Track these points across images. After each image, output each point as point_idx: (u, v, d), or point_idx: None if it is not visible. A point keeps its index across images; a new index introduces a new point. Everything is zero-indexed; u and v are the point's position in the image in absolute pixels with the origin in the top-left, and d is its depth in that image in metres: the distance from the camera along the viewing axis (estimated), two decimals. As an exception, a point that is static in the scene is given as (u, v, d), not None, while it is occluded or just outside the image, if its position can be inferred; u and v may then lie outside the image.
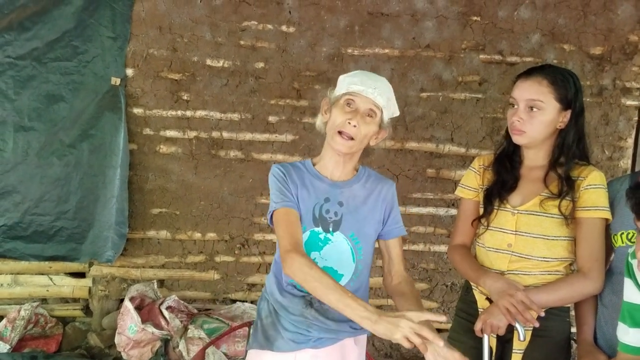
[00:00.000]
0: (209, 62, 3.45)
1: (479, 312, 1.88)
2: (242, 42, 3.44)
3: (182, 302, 3.49)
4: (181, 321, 3.30)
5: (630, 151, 3.57)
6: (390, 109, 1.77)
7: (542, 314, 1.67)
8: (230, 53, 3.45)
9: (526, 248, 1.82)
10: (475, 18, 3.44)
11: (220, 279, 3.64)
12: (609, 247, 1.82)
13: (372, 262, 1.84)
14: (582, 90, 1.86)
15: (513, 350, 1.80)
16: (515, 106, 1.83)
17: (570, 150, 1.83)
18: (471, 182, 2.02)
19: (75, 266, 3.60)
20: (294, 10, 3.43)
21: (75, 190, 3.39)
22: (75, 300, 3.69)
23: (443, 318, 1.37)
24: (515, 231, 1.83)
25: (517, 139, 1.85)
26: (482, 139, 3.54)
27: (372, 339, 3.67)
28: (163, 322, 3.27)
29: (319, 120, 1.81)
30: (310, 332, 1.70)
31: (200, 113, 3.48)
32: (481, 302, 1.91)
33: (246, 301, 3.65)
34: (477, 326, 1.76)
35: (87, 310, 3.69)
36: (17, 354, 3.17)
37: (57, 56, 3.32)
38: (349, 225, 1.74)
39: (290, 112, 3.51)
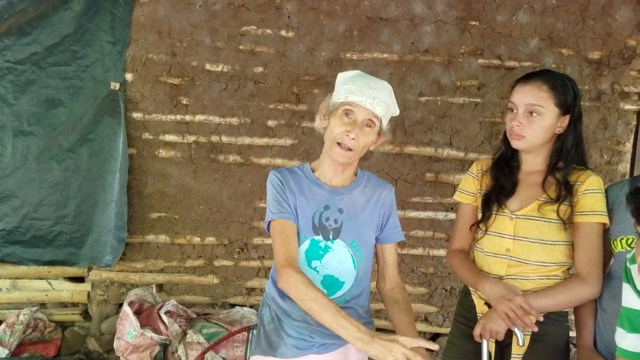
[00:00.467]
0: (208, 66, 3.46)
1: (478, 317, 1.88)
2: (241, 47, 3.45)
3: (181, 306, 3.48)
4: (180, 326, 3.30)
5: (628, 155, 3.57)
6: (390, 114, 1.76)
7: (541, 319, 1.68)
8: (230, 58, 3.46)
9: (524, 253, 1.82)
10: (473, 23, 3.45)
11: (219, 284, 3.64)
12: (608, 252, 1.82)
13: (372, 267, 1.84)
14: (580, 95, 1.86)
15: (512, 355, 1.80)
16: (515, 111, 1.83)
17: (568, 155, 1.83)
18: (469, 187, 2.02)
19: (74, 271, 3.60)
20: (293, 15, 3.44)
21: (74, 194, 3.40)
22: (74, 304, 3.69)
23: (436, 347, 1.38)
24: (514, 236, 1.83)
25: (516, 144, 1.85)
26: (481, 143, 3.55)
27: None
28: (162, 327, 3.26)
29: (317, 122, 1.80)
30: (313, 337, 1.69)
31: (199, 117, 3.49)
32: (480, 307, 1.91)
33: (245, 305, 3.64)
34: (476, 331, 1.76)
35: (86, 315, 3.69)
36: (16, 359, 3.16)
37: (57, 61, 3.33)
38: (349, 232, 1.74)
39: (289, 117, 3.51)
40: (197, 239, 3.60)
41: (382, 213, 1.81)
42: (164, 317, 3.28)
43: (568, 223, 1.78)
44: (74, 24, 3.32)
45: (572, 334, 1.94)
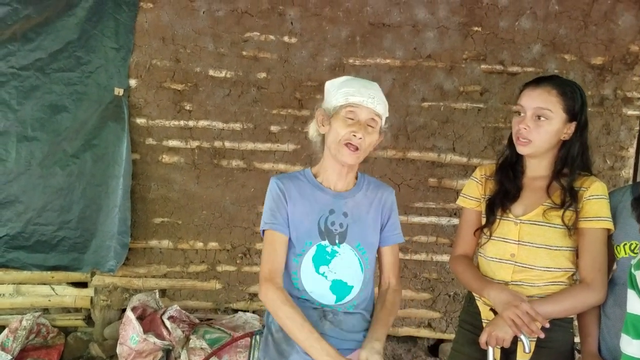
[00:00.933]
0: (211, 72, 3.47)
1: (483, 324, 1.88)
2: (244, 53, 3.46)
3: (184, 312, 3.48)
4: (183, 331, 3.29)
5: (631, 161, 3.57)
6: (386, 114, 1.80)
7: (547, 325, 1.67)
8: (233, 63, 3.47)
9: (529, 258, 1.81)
10: (476, 28, 3.46)
11: (222, 289, 3.64)
12: (611, 258, 1.82)
13: (375, 270, 1.85)
14: (587, 104, 1.87)
15: (517, 362, 1.79)
16: (522, 114, 1.83)
17: (574, 162, 1.83)
18: (473, 192, 2.01)
19: (77, 276, 3.59)
20: (296, 21, 3.45)
21: (77, 200, 3.40)
22: (77, 310, 3.69)
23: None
24: (518, 241, 1.83)
25: (522, 149, 1.85)
26: (484, 148, 3.55)
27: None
28: (165, 332, 3.26)
29: (312, 131, 1.82)
30: None
31: (202, 123, 3.50)
32: (485, 314, 1.90)
33: (248, 311, 3.64)
34: (482, 338, 1.75)
35: (89, 320, 3.69)
36: (18, 365, 3.17)
37: (61, 67, 3.34)
38: (355, 236, 1.75)
39: (292, 122, 3.52)
40: (200, 244, 3.60)
41: (383, 214, 1.84)
42: (167, 323, 3.28)
43: (573, 229, 1.77)
44: (78, 30, 3.33)
45: (577, 339, 1.94)
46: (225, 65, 3.47)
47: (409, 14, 3.45)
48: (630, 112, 3.51)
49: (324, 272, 1.70)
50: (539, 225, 1.81)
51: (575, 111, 1.80)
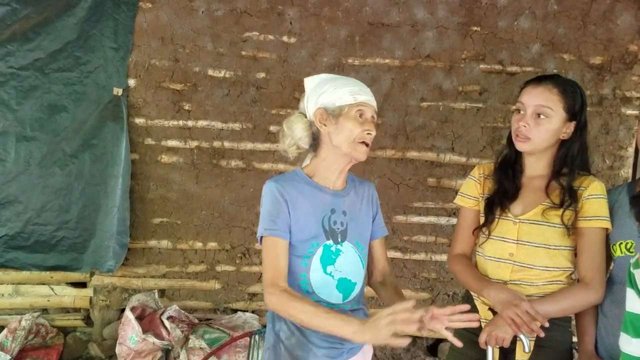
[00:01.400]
0: (210, 72, 3.47)
1: (482, 323, 1.87)
2: (243, 53, 3.46)
3: (183, 312, 3.48)
4: (182, 331, 3.29)
5: (630, 160, 3.58)
6: None
7: (547, 325, 1.66)
8: (232, 63, 3.47)
9: (528, 257, 1.81)
10: (475, 28, 3.46)
11: (221, 289, 3.64)
12: (608, 257, 1.82)
13: None
14: (587, 104, 1.87)
15: (516, 361, 1.79)
16: (522, 112, 1.83)
17: (574, 162, 1.83)
18: (471, 191, 2.01)
19: (76, 276, 3.60)
20: (295, 21, 3.45)
21: (76, 200, 3.40)
22: (76, 310, 3.69)
23: (411, 303, 1.39)
24: (517, 240, 1.83)
25: (521, 146, 1.84)
26: (483, 148, 3.55)
27: (374, 348, 3.65)
28: (164, 332, 3.26)
29: (299, 130, 1.75)
30: (342, 344, 1.69)
31: (201, 123, 3.50)
32: (483, 313, 1.89)
33: (247, 311, 3.64)
34: (482, 338, 1.74)
35: (88, 320, 3.69)
36: (17, 365, 3.17)
37: (60, 67, 3.34)
38: (354, 233, 1.75)
39: (292, 122, 3.51)
40: (199, 244, 3.60)
41: (372, 210, 1.86)
42: (166, 323, 3.28)
43: (571, 229, 1.77)
44: (77, 30, 3.34)
45: (575, 339, 1.94)
46: (224, 65, 3.47)
47: (408, 13, 3.45)
48: (629, 112, 3.52)
49: (330, 272, 1.70)
50: (537, 224, 1.81)
51: (575, 111, 1.80)
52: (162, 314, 3.35)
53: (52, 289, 3.61)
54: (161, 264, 3.62)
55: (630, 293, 1.47)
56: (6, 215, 3.36)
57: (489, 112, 3.53)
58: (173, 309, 3.42)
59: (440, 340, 3.74)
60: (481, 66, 3.49)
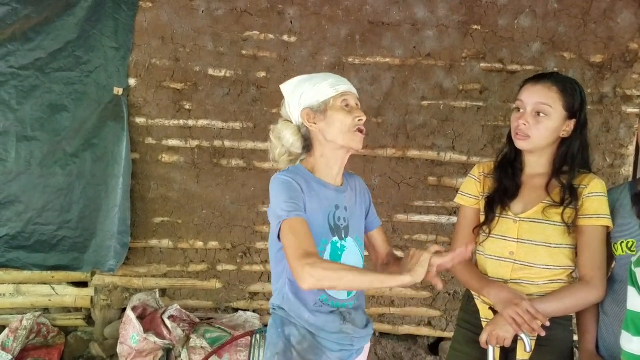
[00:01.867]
0: (211, 71, 3.47)
1: (482, 323, 1.87)
2: (244, 52, 3.46)
3: (184, 311, 3.48)
4: (183, 330, 3.30)
5: (631, 159, 3.57)
6: None
7: (548, 324, 1.66)
8: (232, 63, 3.47)
9: (529, 256, 1.81)
10: (475, 27, 3.46)
11: (222, 288, 3.64)
12: (610, 256, 1.82)
13: None
14: (587, 101, 1.87)
15: (517, 360, 1.79)
16: (522, 110, 1.83)
17: (574, 160, 1.83)
18: (471, 190, 2.01)
19: (77, 276, 3.60)
20: (295, 20, 3.45)
21: (77, 199, 3.40)
22: (77, 309, 3.69)
23: (435, 247, 1.56)
24: (518, 239, 1.83)
25: (521, 145, 1.84)
26: (484, 147, 3.55)
27: (374, 347, 3.66)
28: (165, 332, 3.26)
29: (289, 135, 1.75)
30: (353, 345, 1.71)
31: (202, 122, 3.50)
32: (484, 312, 1.90)
33: (248, 310, 3.64)
34: (483, 338, 1.74)
35: (89, 320, 3.69)
36: (19, 364, 3.17)
37: (60, 66, 3.34)
38: (354, 229, 1.76)
39: (292, 121, 3.51)
40: (200, 244, 3.60)
41: (366, 202, 1.87)
42: (167, 322, 3.28)
43: (572, 227, 1.77)
44: (77, 30, 3.33)
45: (576, 337, 1.94)
46: (224, 64, 3.47)
47: (409, 12, 3.45)
48: (629, 110, 3.51)
49: None
50: (538, 223, 1.81)
51: (575, 109, 1.80)
52: (164, 313, 3.36)
53: (54, 289, 3.61)
54: (162, 263, 3.62)
55: (631, 291, 1.47)
56: (7, 215, 3.36)
57: (490, 110, 3.53)
58: (174, 309, 3.42)
59: (441, 339, 3.75)
60: (482, 65, 3.49)
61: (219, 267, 3.63)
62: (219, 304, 3.68)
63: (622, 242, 1.77)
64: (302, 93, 1.73)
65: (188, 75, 3.47)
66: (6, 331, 3.36)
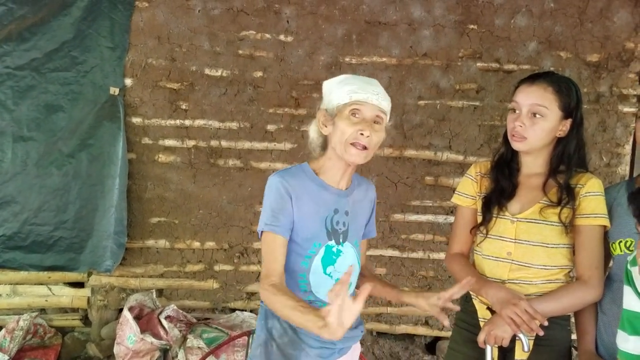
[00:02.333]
0: (207, 71, 3.46)
1: (480, 323, 1.87)
2: (240, 52, 3.46)
3: (181, 311, 3.48)
4: (180, 331, 3.29)
5: (628, 158, 3.58)
6: (389, 110, 1.73)
7: (546, 323, 1.66)
8: (229, 62, 3.46)
9: (526, 256, 1.81)
10: (472, 26, 3.46)
11: (219, 288, 3.64)
12: (607, 255, 1.82)
13: None
14: (582, 100, 1.86)
15: (515, 360, 1.79)
16: (517, 111, 1.82)
17: (571, 159, 1.82)
18: (468, 190, 2.00)
19: (74, 276, 3.59)
20: (292, 19, 3.45)
21: (74, 200, 3.39)
22: (74, 310, 3.69)
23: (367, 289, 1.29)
24: (515, 239, 1.83)
25: (517, 146, 1.84)
26: (480, 146, 3.55)
27: (372, 347, 3.66)
28: (162, 332, 3.26)
29: (312, 132, 1.75)
30: (335, 344, 1.69)
31: (198, 122, 3.49)
32: (482, 312, 1.89)
33: (245, 310, 3.64)
34: (481, 337, 1.74)
35: (86, 320, 3.69)
36: (15, 365, 3.16)
37: (56, 66, 3.33)
38: (353, 234, 1.74)
39: (289, 121, 3.52)
40: (197, 244, 3.59)
41: (371, 211, 1.86)
42: (164, 322, 3.28)
43: (569, 227, 1.77)
44: (73, 30, 3.33)
45: (574, 337, 1.94)
46: (221, 64, 3.46)
47: (405, 12, 3.45)
48: (626, 109, 3.52)
49: (330, 272, 1.68)
50: (535, 223, 1.80)
51: (571, 108, 1.80)
52: (160, 313, 3.35)
53: (50, 289, 3.61)
54: (159, 263, 3.61)
55: (627, 290, 1.48)
56: (3, 215, 3.35)
57: (486, 110, 3.53)
58: (171, 309, 3.41)
59: (439, 339, 3.75)
60: (478, 64, 3.49)
61: (216, 267, 3.62)
62: (216, 304, 3.68)
63: (620, 241, 1.77)
64: (329, 93, 1.69)
65: (184, 75, 3.46)
66: (3, 332, 3.35)
